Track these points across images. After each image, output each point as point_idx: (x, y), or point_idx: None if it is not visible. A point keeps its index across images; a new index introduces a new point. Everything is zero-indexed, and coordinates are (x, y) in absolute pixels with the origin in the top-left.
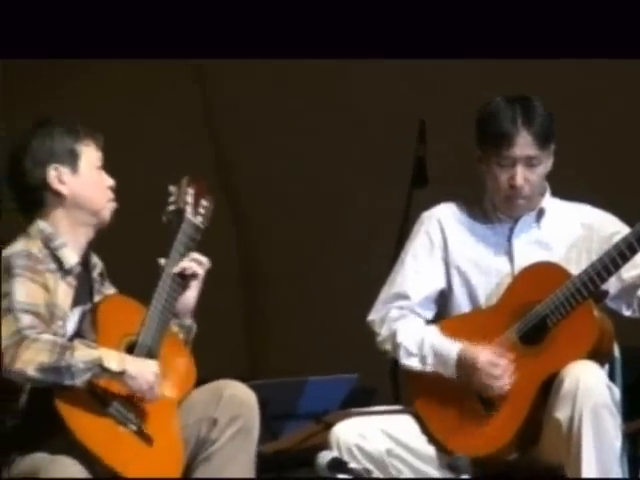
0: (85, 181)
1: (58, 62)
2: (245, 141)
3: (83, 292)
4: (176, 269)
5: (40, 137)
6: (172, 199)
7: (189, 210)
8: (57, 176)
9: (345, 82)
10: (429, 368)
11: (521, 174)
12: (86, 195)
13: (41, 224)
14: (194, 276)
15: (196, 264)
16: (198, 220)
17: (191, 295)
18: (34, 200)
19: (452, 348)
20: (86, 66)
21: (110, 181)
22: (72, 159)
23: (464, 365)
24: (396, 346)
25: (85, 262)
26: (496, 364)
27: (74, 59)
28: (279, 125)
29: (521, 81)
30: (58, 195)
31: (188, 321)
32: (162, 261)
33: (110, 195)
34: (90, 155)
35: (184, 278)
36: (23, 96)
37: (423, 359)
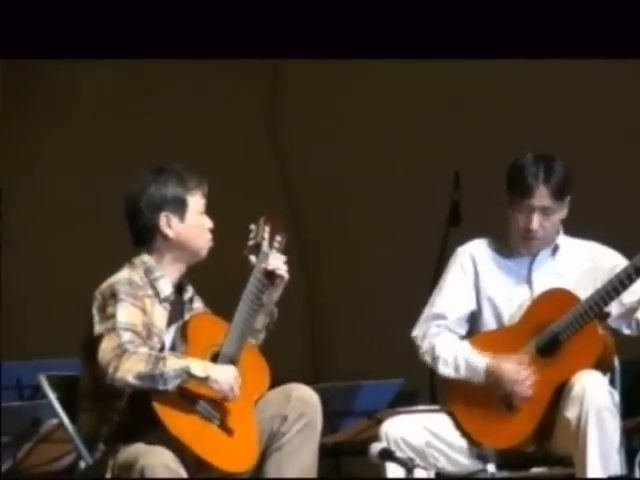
0: (189, 227)
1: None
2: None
3: (176, 313)
4: (269, 267)
5: (156, 185)
6: (252, 235)
7: (265, 244)
8: (167, 222)
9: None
10: (462, 376)
11: (537, 220)
12: (189, 239)
13: (145, 257)
14: (280, 277)
15: (282, 265)
16: (273, 253)
17: (276, 294)
18: (144, 237)
19: (481, 360)
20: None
21: (210, 223)
22: (181, 208)
23: (492, 374)
24: (435, 358)
25: (178, 288)
26: (519, 372)
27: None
28: (340, 160)
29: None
30: (166, 238)
31: (271, 308)
32: (253, 259)
33: (209, 236)
34: (196, 203)
35: (272, 278)
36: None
37: (457, 368)
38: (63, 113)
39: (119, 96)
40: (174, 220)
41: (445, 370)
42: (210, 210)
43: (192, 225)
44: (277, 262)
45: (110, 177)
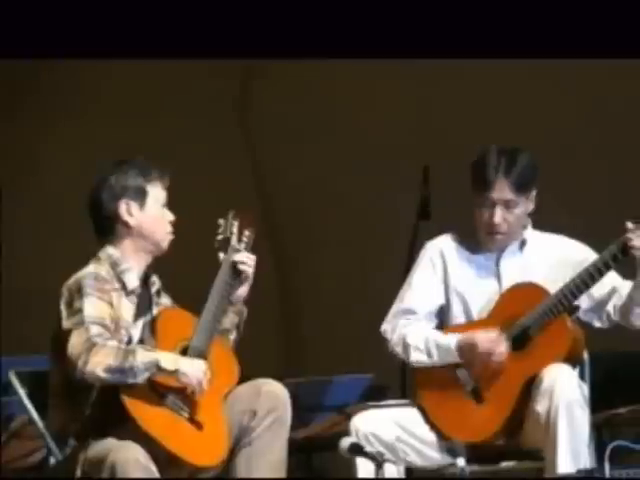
0: (149, 216)
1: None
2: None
3: (144, 306)
4: (235, 257)
5: (116, 174)
6: (220, 229)
7: (234, 239)
8: (127, 209)
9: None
10: (435, 359)
11: (499, 214)
12: (149, 227)
13: (110, 249)
14: (245, 274)
15: (246, 260)
16: (242, 247)
17: (244, 289)
18: (106, 227)
19: (451, 338)
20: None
21: (171, 216)
22: (141, 196)
23: (464, 347)
24: (406, 346)
25: (145, 281)
26: (490, 335)
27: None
28: (312, 158)
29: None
30: (126, 225)
31: (240, 307)
32: (221, 255)
33: (169, 228)
34: (156, 194)
35: (236, 275)
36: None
37: (429, 353)
38: (64, 113)
39: (109, 96)
40: (134, 207)
41: (418, 356)
42: (182, 206)
43: (152, 214)
44: (241, 257)
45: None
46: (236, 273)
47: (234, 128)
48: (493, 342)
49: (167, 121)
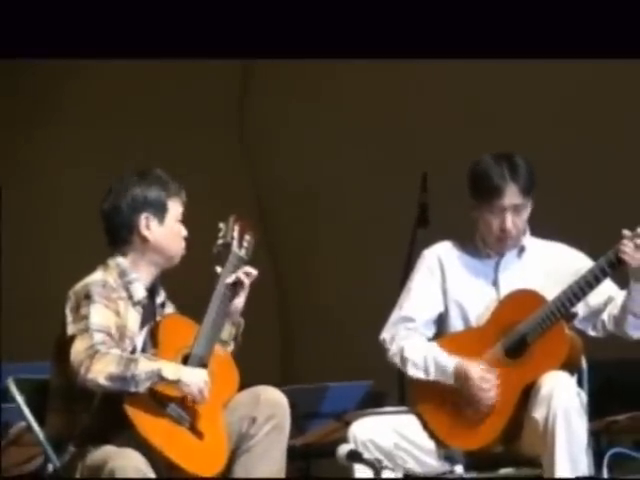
0: (167, 231)
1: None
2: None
3: (148, 316)
4: (229, 280)
5: (139, 186)
6: (221, 234)
7: (235, 244)
8: (146, 224)
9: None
10: (432, 376)
11: (510, 220)
12: (165, 243)
13: (119, 259)
14: (242, 285)
15: (245, 276)
16: (242, 252)
17: (240, 300)
18: (121, 237)
19: (450, 362)
20: None
21: (185, 232)
22: (161, 212)
23: (459, 377)
24: (404, 360)
25: (152, 292)
26: (486, 379)
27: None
28: (312, 171)
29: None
30: (143, 239)
31: (237, 318)
32: (218, 269)
33: (183, 244)
34: (175, 210)
35: (235, 287)
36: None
37: (426, 370)
38: (65, 113)
39: (106, 97)
40: (153, 222)
41: (415, 372)
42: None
43: (170, 230)
44: (239, 274)
45: (110, 178)
46: (234, 285)
47: (232, 128)
48: (486, 384)
49: (164, 122)
